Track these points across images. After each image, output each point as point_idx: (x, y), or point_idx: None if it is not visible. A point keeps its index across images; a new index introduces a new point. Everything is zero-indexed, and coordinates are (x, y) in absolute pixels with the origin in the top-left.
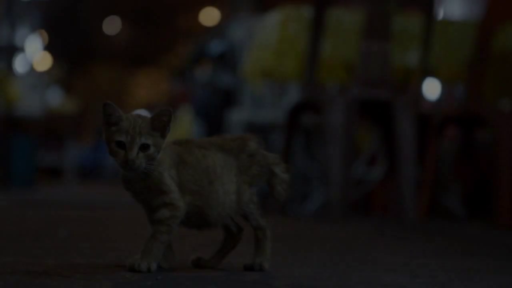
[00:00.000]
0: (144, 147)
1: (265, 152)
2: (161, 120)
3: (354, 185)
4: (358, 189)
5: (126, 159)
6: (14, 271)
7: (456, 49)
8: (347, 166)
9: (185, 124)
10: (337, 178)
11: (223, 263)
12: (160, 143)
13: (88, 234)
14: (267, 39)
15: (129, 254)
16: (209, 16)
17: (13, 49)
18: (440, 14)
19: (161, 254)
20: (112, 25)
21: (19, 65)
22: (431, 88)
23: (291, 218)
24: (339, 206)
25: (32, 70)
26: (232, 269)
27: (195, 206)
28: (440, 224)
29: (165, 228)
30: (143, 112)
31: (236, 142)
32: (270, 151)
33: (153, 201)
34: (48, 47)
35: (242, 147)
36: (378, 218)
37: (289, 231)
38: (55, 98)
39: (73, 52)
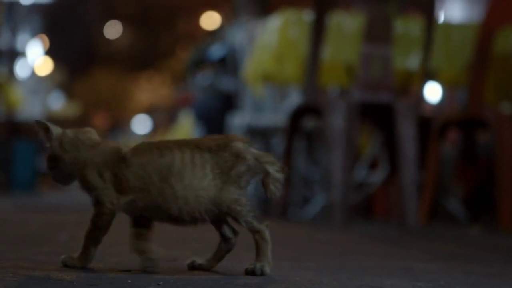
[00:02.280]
0: None
1: (259, 151)
2: (42, 133)
3: (355, 188)
4: (359, 192)
5: None
6: (15, 276)
7: (457, 52)
8: (348, 170)
9: (186, 128)
10: (338, 182)
11: (227, 267)
12: (54, 151)
13: None
14: (268, 43)
15: (129, 258)
16: (210, 20)
17: (14, 54)
18: (441, 17)
19: (94, 251)
20: (113, 29)
21: (20, 69)
22: (432, 91)
23: (292, 221)
24: (340, 210)
25: (33, 75)
26: (234, 274)
27: (148, 201)
28: (441, 227)
29: (92, 225)
30: (144, 117)
31: (216, 141)
32: (271, 155)
33: (90, 196)
34: (49, 52)
35: (224, 145)
36: (379, 221)
37: (290, 235)
38: (57, 103)
39: (74, 56)
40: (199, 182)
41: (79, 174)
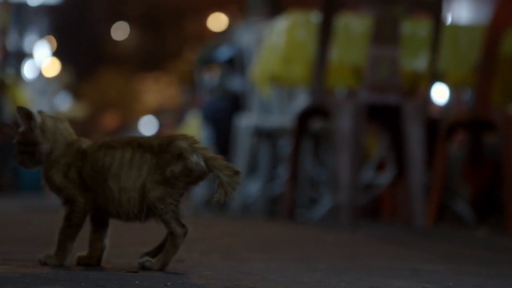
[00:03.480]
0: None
1: (209, 154)
2: (23, 119)
3: (362, 190)
4: (366, 194)
5: None
6: (23, 276)
7: (464, 53)
8: (356, 171)
9: (193, 129)
10: (345, 183)
11: (232, 267)
12: (31, 138)
13: None
14: (276, 44)
15: (136, 260)
16: (217, 21)
17: (21, 55)
18: (448, 18)
19: (70, 246)
20: (120, 31)
21: (27, 71)
22: (440, 93)
23: (300, 223)
24: (347, 211)
25: (40, 76)
26: (240, 275)
27: (96, 201)
28: (449, 229)
29: (67, 222)
30: (151, 118)
31: (158, 140)
32: (279, 156)
33: (58, 197)
34: (56, 53)
35: (167, 145)
36: (386, 223)
37: (297, 236)
38: (64, 104)
39: (82, 57)
40: (133, 183)
41: (46, 174)
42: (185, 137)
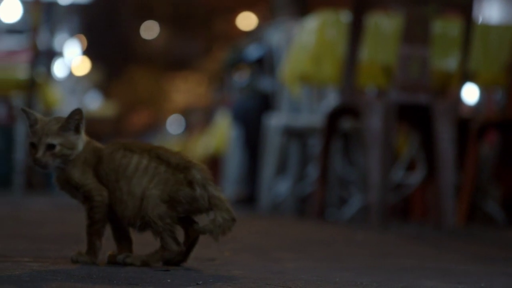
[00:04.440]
0: (50, 147)
1: (215, 192)
2: (74, 119)
3: (393, 189)
4: (397, 193)
5: (34, 158)
6: (55, 274)
7: (495, 53)
8: (386, 171)
9: (222, 129)
10: (375, 183)
11: (263, 267)
12: (73, 140)
13: None
14: (306, 44)
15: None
16: (246, 20)
17: (52, 54)
18: (479, 18)
19: (99, 244)
20: (150, 30)
21: (58, 69)
22: (470, 93)
23: (330, 222)
24: (377, 211)
25: (71, 75)
26: (270, 274)
27: (110, 199)
28: (479, 229)
29: (90, 220)
30: (179, 117)
31: (177, 160)
32: (308, 155)
33: (77, 196)
34: (86, 52)
35: (184, 167)
36: (417, 223)
37: (327, 236)
38: (94, 102)
39: (112, 56)
40: (141, 192)
41: (67, 173)
42: (201, 169)
